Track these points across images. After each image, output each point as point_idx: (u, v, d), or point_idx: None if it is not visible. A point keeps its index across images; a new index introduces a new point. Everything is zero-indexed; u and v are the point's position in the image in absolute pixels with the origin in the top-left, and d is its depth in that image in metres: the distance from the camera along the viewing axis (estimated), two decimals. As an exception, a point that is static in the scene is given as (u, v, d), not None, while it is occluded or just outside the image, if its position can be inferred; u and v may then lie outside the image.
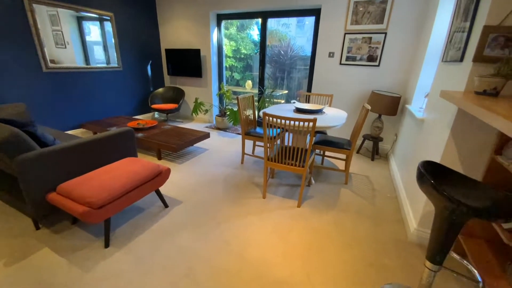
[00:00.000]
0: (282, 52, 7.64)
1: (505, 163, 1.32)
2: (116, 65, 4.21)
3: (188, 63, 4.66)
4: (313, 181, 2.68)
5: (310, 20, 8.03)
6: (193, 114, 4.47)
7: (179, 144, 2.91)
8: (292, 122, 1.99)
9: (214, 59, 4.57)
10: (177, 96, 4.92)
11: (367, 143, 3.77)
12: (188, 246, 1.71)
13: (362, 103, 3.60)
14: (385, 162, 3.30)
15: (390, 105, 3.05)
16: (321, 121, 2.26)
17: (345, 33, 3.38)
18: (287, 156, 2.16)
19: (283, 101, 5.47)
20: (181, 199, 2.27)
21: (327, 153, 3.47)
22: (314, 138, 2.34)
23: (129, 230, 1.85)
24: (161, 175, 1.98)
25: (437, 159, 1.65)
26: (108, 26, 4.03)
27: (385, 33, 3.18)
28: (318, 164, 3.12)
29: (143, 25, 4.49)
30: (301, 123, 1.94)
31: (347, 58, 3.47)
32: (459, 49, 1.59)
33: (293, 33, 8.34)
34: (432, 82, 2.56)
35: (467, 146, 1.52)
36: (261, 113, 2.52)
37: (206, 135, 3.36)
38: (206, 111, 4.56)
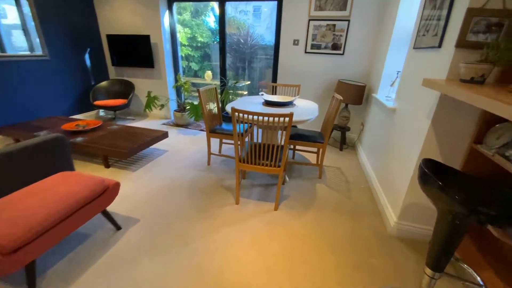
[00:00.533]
0: (242, 41, 7.29)
1: (486, 152, 1.28)
2: (41, 53, 3.41)
3: (136, 51, 4.04)
4: (287, 179, 2.51)
5: (268, 8, 7.75)
6: (146, 110, 3.92)
7: (131, 148, 2.45)
8: (266, 118, 1.75)
9: (167, 47, 4.04)
10: (126, 90, 4.27)
11: (335, 133, 3.76)
12: (150, 279, 1.38)
13: (330, 92, 3.54)
14: (353, 152, 3.31)
15: (356, 94, 3.02)
16: (295, 115, 2.07)
17: (309, 19, 3.22)
18: (261, 156, 1.93)
19: (246, 93, 5.21)
20: (138, 216, 1.89)
21: (298, 146, 3.35)
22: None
23: (68, 268, 1.43)
24: (108, 192, 1.57)
25: (417, 149, 1.59)
26: (26, 5, 3.21)
27: (348, 20, 3.11)
28: (289, 159, 2.97)
29: (71, 5, 3.70)
30: (276, 119, 1.71)
31: (312, 46, 3.34)
32: (435, 35, 1.52)
33: (251, 21, 8.02)
34: (401, 70, 2.56)
35: (447, 135, 1.48)
36: (227, 108, 2.23)
37: (164, 135, 2.94)
38: (162, 106, 4.05)
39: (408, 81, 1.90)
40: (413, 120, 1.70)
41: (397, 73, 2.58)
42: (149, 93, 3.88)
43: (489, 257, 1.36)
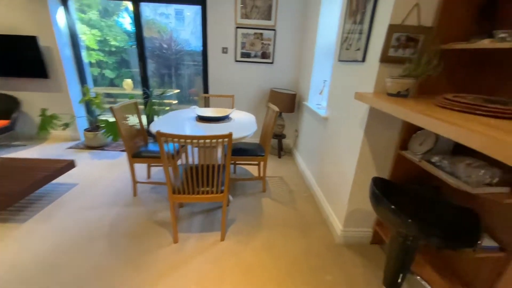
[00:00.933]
0: (165, 46, 6.70)
1: (412, 158, 1.39)
2: None
3: (20, 57, 3.10)
4: (231, 198, 2.31)
5: (191, 12, 7.36)
6: (41, 132, 3.05)
7: (14, 194, 1.77)
8: (201, 141, 1.49)
9: (66, 52, 3.25)
10: (7, 107, 3.23)
11: (272, 141, 3.77)
12: None
13: (264, 102, 3.51)
14: (291, 158, 3.37)
15: (288, 103, 3.08)
16: (233, 131, 1.88)
17: (236, 27, 3.11)
18: (199, 181, 1.66)
19: (175, 102, 4.76)
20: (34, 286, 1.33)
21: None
22: (223, 148, 1.95)
23: None
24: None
25: (354, 157, 1.63)
26: None
27: (274, 30, 3.15)
28: (231, 175, 2.77)
29: None
30: (214, 141, 1.48)
31: (242, 55, 3.24)
32: (358, 49, 1.59)
33: (173, 25, 7.47)
34: (328, 79, 2.68)
35: (379, 143, 1.56)
36: (152, 127, 1.86)
37: (69, 165, 2.29)
38: (66, 125, 3.22)
39: (338, 92, 1.98)
40: (347, 129, 1.75)
41: (324, 82, 2.72)
42: (43, 111, 3.02)
43: (439, 268, 1.48)
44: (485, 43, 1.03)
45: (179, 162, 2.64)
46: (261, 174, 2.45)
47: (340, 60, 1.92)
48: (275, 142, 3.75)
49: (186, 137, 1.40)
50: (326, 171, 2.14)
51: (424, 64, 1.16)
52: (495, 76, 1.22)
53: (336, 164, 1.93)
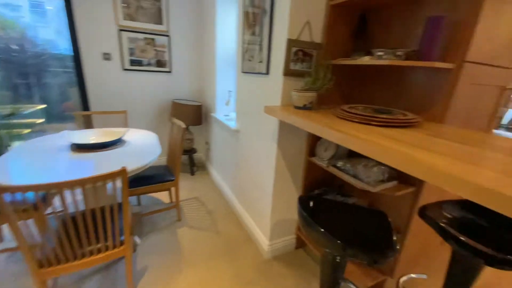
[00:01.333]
0: (17, 47, 5.01)
1: (321, 163, 1.48)
2: None
3: None
4: (137, 241, 1.86)
5: (52, 5, 5.86)
6: None
7: None
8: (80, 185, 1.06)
9: None
10: None
11: (182, 157, 3.41)
12: None
13: (165, 116, 3.11)
14: (205, 173, 3.14)
15: (194, 115, 2.84)
16: (129, 159, 1.49)
17: (119, 29, 2.59)
18: (84, 238, 1.20)
19: (41, 121, 3.64)
20: None
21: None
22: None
23: None
24: None
25: (271, 169, 1.60)
26: None
27: (168, 36, 2.83)
28: (134, 209, 2.27)
29: None
30: (99, 183, 1.08)
31: (132, 62, 2.74)
32: (261, 61, 1.57)
33: (28, 20, 5.71)
34: (232, 89, 2.62)
35: (290, 153, 1.59)
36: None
37: None
38: None
39: (246, 104, 1.93)
40: (261, 142, 1.71)
41: (229, 92, 2.65)
42: None
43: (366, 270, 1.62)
44: (366, 60, 1.18)
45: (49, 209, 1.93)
46: (174, 201, 2.11)
47: (244, 72, 1.87)
48: (186, 158, 3.42)
49: (48, 186, 0.95)
50: (244, 185, 2.06)
51: (322, 77, 1.23)
52: (374, 87, 1.44)
53: (254, 177, 1.87)
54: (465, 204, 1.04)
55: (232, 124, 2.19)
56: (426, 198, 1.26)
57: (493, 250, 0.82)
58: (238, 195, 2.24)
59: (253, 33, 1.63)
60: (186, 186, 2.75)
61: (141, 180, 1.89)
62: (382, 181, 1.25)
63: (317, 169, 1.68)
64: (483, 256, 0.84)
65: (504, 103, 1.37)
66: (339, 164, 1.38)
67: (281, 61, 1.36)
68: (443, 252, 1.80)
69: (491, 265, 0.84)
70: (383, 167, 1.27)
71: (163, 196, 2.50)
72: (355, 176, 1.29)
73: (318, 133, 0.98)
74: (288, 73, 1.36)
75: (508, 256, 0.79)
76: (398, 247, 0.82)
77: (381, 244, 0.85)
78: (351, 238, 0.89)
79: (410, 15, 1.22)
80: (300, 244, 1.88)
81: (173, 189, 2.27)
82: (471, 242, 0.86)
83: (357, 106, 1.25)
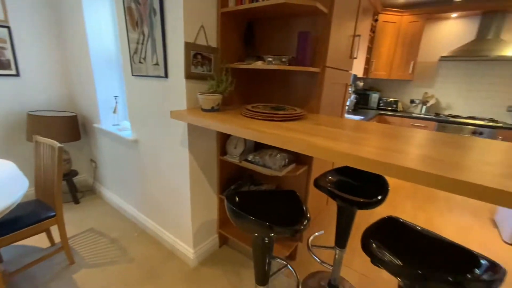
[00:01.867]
0: None
1: (233, 160, 1.58)
2: None
3: None
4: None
5: None
6: None
7: None
8: None
9: None
10: None
11: (55, 184, 2.66)
12: None
13: (20, 134, 2.30)
14: (95, 197, 2.60)
15: (67, 128, 2.28)
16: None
17: None
18: None
19: None
20: None
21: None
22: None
23: None
24: None
25: (185, 175, 1.56)
26: None
27: (9, 28, 2.10)
28: (-11, 270, 1.60)
29: None
30: None
31: None
32: (157, 63, 1.47)
33: None
34: (121, 96, 2.30)
35: (203, 156, 1.60)
36: None
37: None
38: None
39: (142, 109, 1.74)
40: (169, 149, 1.62)
41: (116, 98, 2.29)
42: None
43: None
44: (259, 64, 1.35)
45: None
46: (58, 241, 1.65)
47: (135, 75, 1.68)
48: (63, 184, 2.69)
49: None
50: (156, 199, 1.89)
51: (225, 80, 1.31)
52: (268, 88, 1.66)
53: (167, 187, 1.75)
54: (339, 170, 1.42)
55: (128, 134, 1.93)
56: (315, 172, 1.61)
57: (362, 198, 1.18)
58: (149, 212, 2.01)
59: (142, 33, 1.49)
60: (72, 219, 2.19)
61: (3, 227, 1.36)
62: (285, 166, 1.49)
63: (229, 166, 1.78)
64: (356, 204, 1.20)
65: (347, 95, 1.94)
66: (250, 158, 1.53)
67: (181, 64, 1.34)
68: (329, 210, 2.34)
69: (361, 208, 1.21)
70: (284, 154, 1.52)
71: (37, 241, 1.89)
72: (264, 166, 1.47)
73: (233, 133, 1.06)
74: (190, 76, 1.36)
75: (372, 199, 1.16)
76: (309, 215, 1.03)
77: (297, 216, 1.04)
78: (275, 218, 1.04)
79: (288, 28, 1.49)
80: (223, 241, 1.94)
81: (54, 227, 1.76)
82: (349, 196, 1.21)
83: (257, 105, 1.43)
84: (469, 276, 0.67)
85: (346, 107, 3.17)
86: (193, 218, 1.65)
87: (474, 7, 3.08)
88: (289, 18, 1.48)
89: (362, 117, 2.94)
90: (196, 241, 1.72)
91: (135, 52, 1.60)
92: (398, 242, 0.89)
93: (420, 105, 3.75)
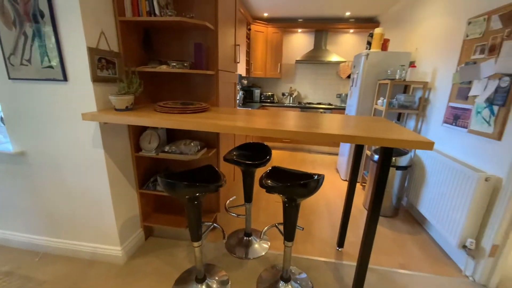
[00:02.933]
0: None
1: (150, 154, 1.77)
2: None
3: None
4: None
5: None
6: None
7: None
8: None
9: None
10: None
11: None
12: None
13: None
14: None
15: None
16: None
17: None
18: None
19: None
20: None
21: None
22: None
23: None
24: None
25: (103, 176, 1.60)
26: None
27: None
28: None
29: None
30: None
31: None
32: (50, 66, 1.42)
33: None
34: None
35: (117, 154, 1.68)
36: None
37: None
38: None
39: (30, 116, 1.58)
40: (78, 153, 1.59)
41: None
42: None
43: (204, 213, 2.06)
44: (164, 68, 1.61)
45: None
46: None
47: (14, 78, 1.50)
48: None
49: None
50: (60, 214, 1.75)
51: (135, 82, 1.48)
52: (172, 88, 1.91)
53: (77, 197, 1.68)
54: (239, 148, 1.91)
55: (8, 148, 1.66)
56: (222, 153, 2.04)
57: (255, 161, 1.71)
58: (52, 231, 1.82)
59: (24, 34, 1.39)
60: None
61: None
62: (199, 150, 1.83)
63: (145, 161, 1.92)
64: (253, 165, 1.72)
65: (236, 92, 2.47)
66: (167, 149, 1.77)
67: (85, 68, 1.39)
68: (236, 184, 2.87)
69: (257, 167, 1.74)
70: (196, 142, 1.85)
71: None
72: (181, 153, 1.75)
73: (159, 125, 1.30)
74: (97, 79, 1.43)
75: (262, 160, 1.70)
76: (225, 178, 1.44)
77: (217, 179, 1.43)
78: (203, 182, 1.39)
79: (184, 38, 1.80)
80: (148, 233, 2.06)
81: None
82: (247, 162, 1.71)
83: (167, 102, 1.67)
84: (305, 180, 1.29)
85: (238, 101, 3.79)
86: (117, 216, 1.71)
87: (310, 26, 4.39)
88: (184, 30, 1.80)
89: (249, 109, 3.63)
90: (122, 238, 1.78)
91: (13, 54, 1.45)
92: (278, 177, 1.46)
93: (289, 97, 4.93)
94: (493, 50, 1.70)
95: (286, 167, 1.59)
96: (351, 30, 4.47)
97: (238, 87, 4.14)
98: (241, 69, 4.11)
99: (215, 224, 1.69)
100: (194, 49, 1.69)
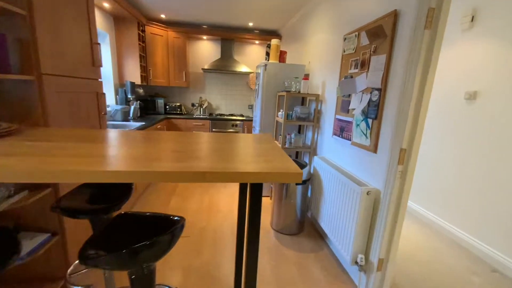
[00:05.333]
0: None
1: None
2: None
3: None
4: None
5: None
6: None
7: None
8: None
9: None
10: None
11: None
12: None
13: None
14: None
15: None
16: None
17: None
18: None
19: None
20: None
21: None
22: None
23: None
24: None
25: None
26: None
27: None
28: None
29: None
30: None
31: None
32: None
33: None
34: None
35: None
36: None
37: None
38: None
39: None
40: None
41: None
42: None
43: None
44: None
45: None
46: None
47: None
48: None
49: None
50: None
51: None
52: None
53: None
54: (84, 185, 1.37)
55: None
56: (67, 188, 1.44)
57: (107, 204, 1.21)
58: None
59: None
60: None
61: None
62: (10, 196, 1.19)
63: None
64: (104, 211, 1.21)
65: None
66: None
67: None
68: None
69: (108, 213, 1.24)
70: (7, 184, 1.21)
71: None
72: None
73: None
74: None
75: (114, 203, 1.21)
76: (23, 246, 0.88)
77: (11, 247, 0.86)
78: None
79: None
80: None
81: None
82: (94, 207, 1.19)
83: None
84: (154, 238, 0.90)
85: (131, 114, 3.11)
86: None
87: (215, 34, 4.14)
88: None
89: (143, 123, 3.03)
90: None
91: None
92: (120, 233, 1.00)
93: (199, 108, 4.52)
94: (364, 64, 1.75)
95: (139, 211, 1.15)
96: (257, 42, 4.46)
97: (131, 96, 3.47)
98: (134, 76, 3.47)
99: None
100: (-15, 41, 1.08)
